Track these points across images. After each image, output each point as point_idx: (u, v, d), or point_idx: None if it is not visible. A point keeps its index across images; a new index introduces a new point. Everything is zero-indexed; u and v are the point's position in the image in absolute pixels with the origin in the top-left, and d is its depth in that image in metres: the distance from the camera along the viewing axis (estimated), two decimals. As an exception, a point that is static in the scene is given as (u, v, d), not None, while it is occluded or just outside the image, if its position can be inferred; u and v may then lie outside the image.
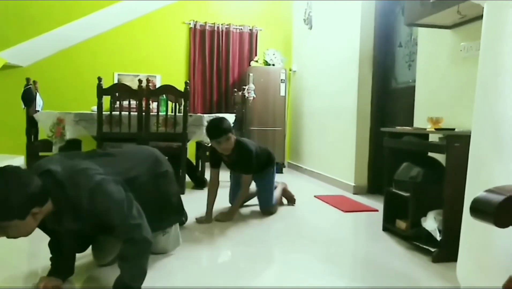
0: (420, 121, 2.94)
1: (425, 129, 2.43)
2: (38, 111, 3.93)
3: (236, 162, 2.96)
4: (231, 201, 3.24)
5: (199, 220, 2.80)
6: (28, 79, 3.91)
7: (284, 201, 3.50)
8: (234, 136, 2.84)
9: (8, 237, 1.46)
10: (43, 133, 3.73)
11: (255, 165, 2.95)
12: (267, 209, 3.09)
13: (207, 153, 4.19)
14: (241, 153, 2.89)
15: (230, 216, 2.90)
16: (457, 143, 2.09)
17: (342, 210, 3.31)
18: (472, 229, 1.40)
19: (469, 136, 1.45)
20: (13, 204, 1.37)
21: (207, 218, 2.81)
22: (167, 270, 1.94)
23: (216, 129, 2.75)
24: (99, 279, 1.83)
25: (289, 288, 1.65)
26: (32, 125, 3.85)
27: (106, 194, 1.56)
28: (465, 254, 1.42)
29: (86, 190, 1.52)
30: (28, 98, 3.84)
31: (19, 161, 5.08)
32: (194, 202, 3.34)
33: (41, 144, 3.78)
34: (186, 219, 2.74)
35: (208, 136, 2.82)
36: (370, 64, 4.04)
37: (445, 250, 2.11)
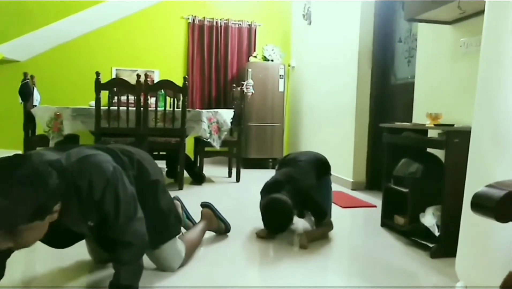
0: (419, 117, 2.94)
1: (424, 125, 2.43)
2: (36, 106, 3.91)
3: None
4: None
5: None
6: (25, 74, 3.88)
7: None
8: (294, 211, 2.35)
9: (16, 247, 1.24)
10: (41, 128, 3.71)
11: (319, 198, 2.47)
12: (326, 223, 2.50)
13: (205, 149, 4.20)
14: (304, 201, 2.41)
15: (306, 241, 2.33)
16: (457, 139, 2.08)
17: (341, 206, 3.31)
18: (471, 225, 1.39)
19: (469, 132, 1.45)
20: (38, 202, 1.18)
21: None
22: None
23: (280, 228, 2.36)
24: (101, 279, 1.82)
25: (289, 288, 1.64)
26: (29, 120, 3.83)
27: (118, 188, 1.40)
28: (464, 250, 1.42)
29: (102, 181, 1.37)
30: (25, 92, 3.82)
31: (16, 156, 5.06)
32: (192, 198, 3.33)
33: (39, 139, 3.76)
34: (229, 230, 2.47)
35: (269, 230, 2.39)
36: (369, 60, 4.03)
37: (443, 246, 2.11)
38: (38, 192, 1.18)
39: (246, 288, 1.62)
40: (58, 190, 1.25)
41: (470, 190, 1.36)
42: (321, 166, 2.67)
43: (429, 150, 2.59)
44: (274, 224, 2.34)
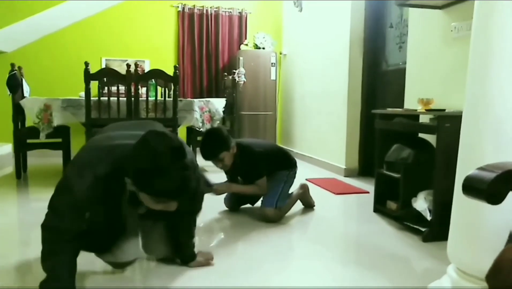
0: (411, 102, 2.95)
1: (416, 110, 2.44)
2: (25, 97, 3.85)
3: (243, 171, 2.61)
4: (227, 204, 2.80)
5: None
6: (12, 65, 3.81)
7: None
8: (232, 148, 2.48)
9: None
10: (31, 120, 3.66)
11: (265, 165, 2.58)
12: (264, 211, 2.53)
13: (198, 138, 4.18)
14: (246, 161, 2.53)
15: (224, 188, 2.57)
16: (448, 124, 2.10)
17: (334, 193, 3.33)
18: (462, 208, 1.41)
19: (460, 117, 1.45)
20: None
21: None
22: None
23: (208, 152, 2.46)
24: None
25: (289, 288, 1.66)
26: (18, 112, 3.77)
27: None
28: (456, 233, 1.44)
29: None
30: (14, 84, 3.75)
31: (6, 148, 5.00)
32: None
33: (28, 131, 3.71)
34: None
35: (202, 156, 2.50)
36: (360, 46, 4.02)
37: (435, 230, 2.14)
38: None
39: (246, 288, 1.63)
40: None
41: (461, 174, 1.37)
42: (277, 157, 2.73)
43: (421, 135, 2.61)
44: (205, 147, 2.46)
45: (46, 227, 1.41)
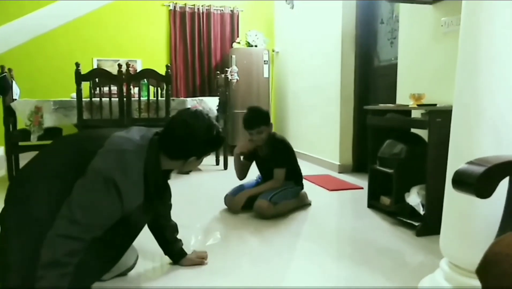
0: (403, 98, 2.96)
1: (408, 105, 2.45)
2: (15, 99, 3.81)
3: (268, 156, 2.72)
4: (228, 204, 2.77)
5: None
6: (2, 67, 3.77)
7: None
8: (270, 128, 2.67)
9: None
10: (22, 122, 3.63)
11: (289, 160, 2.74)
12: (257, 202, 2.55)
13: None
14: (275, 146, 2.70)
15: (240, 200, 2.64)
16: (439, 118, 2.11)
17: (328, 189, 3.34)
18: (454, 202, 1.42)
19: (451, 111, 1.46)
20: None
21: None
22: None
23: (251, 121, 2.61)
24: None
25: (290, 288, 1.66)
26: (9, 114, 3.73)
27: None
28: (448, 227, 1.45)
29: None
30: (4, 86, 3.70)
31: (-2, 151, 4.95)
32: (180, 187, 3.32)
33: (20, 134, 3.68)
34: None
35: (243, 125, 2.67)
36: (352, 43, 4.02)
37: (428, 224, 2.15)
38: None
39: (246, 288, 1.63)
40: None
41: (452, 168, 1.38)
42: (296, 168, 2.87)
43: (413, 130, 2.62)
44: (248, 118, 2.65)
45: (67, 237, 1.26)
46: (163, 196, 1.71)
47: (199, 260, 1.83)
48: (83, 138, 1.58)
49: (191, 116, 1.56)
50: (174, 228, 1.81)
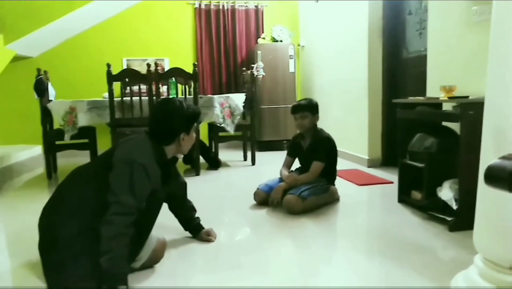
0: (433, 90, 2.89)
1: (438, 98, 2.39)
2: (51, 100, 3.98)
3: (311, 147, 2.81)
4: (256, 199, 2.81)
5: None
6: (38, 70, 3.94)
7: None
8: (315, 118, 2.84)
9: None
10: (57, 123, 3.79)
11: (329, 155, 2.77)
12: (286, 197, 2.57)
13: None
14: (318, 137, 2.81)
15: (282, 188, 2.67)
16: (471, 111, 2.05)
17: (357, 184, 3.31)
18: (487, 197, 1.39)
19: (483, 103, 1.42)
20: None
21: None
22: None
23: (299, 106, 2.83)
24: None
25: (290, 288, 1.66)
26: (46, 115, 3.91)
27: None
28: (481, 222, 1.42)
29: None
30: (40, 88, 3.88)
31: (36, 150, 5.19)
32: (210, 183, 3.38)
33: (56, 133, 3.85)
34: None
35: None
36: (379, 34, 3.95)
37: (461, 219, 2.11)
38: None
39: (246, 288, 1.64)
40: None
41: (484, 163, 1.35)
42: (333, 164, 2.90)
43: (444, 123, 2.56)
44: (298, 103, 2.89)
45: (119, 207, 1.50)
46: (170, 181, 1.85)
47: (207, 238, 2.09)
48: (100, 155, 1.80)
49: (163, 103, 1.89)
50: (191, 208, 2.12)
